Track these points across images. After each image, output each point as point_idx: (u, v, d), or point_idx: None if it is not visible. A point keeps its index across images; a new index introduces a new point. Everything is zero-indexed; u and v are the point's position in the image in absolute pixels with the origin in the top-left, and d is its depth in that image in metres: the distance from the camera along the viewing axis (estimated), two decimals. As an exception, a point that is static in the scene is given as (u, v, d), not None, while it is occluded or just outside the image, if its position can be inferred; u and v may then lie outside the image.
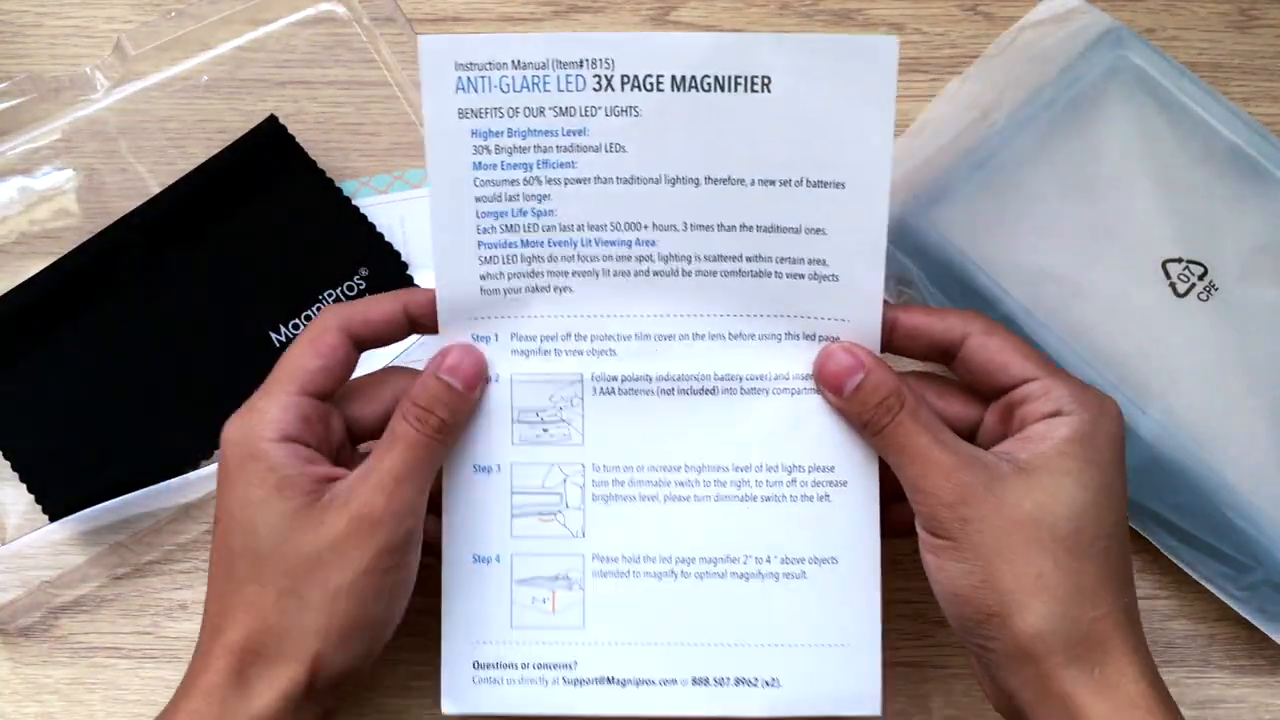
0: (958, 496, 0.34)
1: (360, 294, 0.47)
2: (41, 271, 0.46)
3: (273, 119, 0.48)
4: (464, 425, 0.38)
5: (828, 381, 0.37)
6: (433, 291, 0.37)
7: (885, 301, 0.37)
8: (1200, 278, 0.44)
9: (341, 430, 0.38)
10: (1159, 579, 0.45)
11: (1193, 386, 0.43)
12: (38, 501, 0.44)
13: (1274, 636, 0.42)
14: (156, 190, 0.48)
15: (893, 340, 0.38)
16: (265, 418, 0.35)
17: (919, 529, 0.36)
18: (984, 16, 0.53)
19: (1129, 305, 0.44)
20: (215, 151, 0.48)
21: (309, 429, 0.36)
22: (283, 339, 0.46)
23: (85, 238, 0.47)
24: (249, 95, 0.50)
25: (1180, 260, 0.45)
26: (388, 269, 0.47)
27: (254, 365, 0.40)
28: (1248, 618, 0.42)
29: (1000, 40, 0.51)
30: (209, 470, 0.43)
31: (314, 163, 0.48)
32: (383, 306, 0.38)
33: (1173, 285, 0.44)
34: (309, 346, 0.37)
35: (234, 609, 0.34)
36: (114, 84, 0.50)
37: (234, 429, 0.36)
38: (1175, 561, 0.43)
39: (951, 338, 0.37)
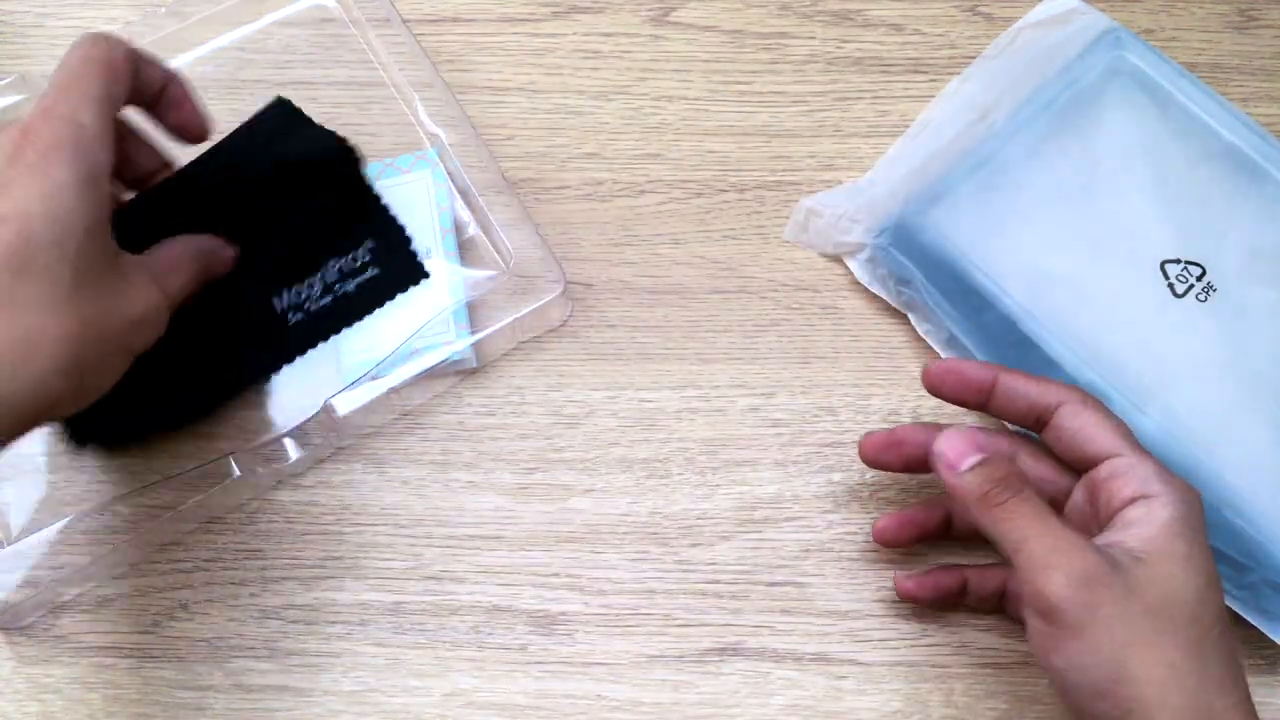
0: (1089, 578, 0.33)
1: (364, 265, 0.47)
2: None
3: (283, 99, 0.47)
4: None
5: (947, 462, 0.36)
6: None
7: (985, 363, 0.39)
8: (1199, 278, 0.44)
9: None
10: (1157, 578, 0.45)
11: (1191, 386, 0.43)
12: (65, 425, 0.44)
13: (1273, 636, 0.42)
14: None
15: (991, 400, 0.39)
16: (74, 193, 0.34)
17: (1034, 618, 0.34)
18: (983, 17, 0.53)
19: (1127, 305, 0.44)
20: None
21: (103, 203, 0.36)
22: (284, 305, 0.46)
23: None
24: (250, 95, 0.50)
25: (1179, 261, 0.45)
26: (391, 242, 0.47)
27: (255, 330, 0.43)
28: (1246, 617, 0.42)
29: (999, 41, 0.51)
30: (202, 469, 0.43)
31: (332, 133, 0.46)
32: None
33: (1171, 286, 0.44)
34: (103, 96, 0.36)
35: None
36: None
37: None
38: (1174, 561, 0.43)
39: (1047, 403, 0.37)
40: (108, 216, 0.36)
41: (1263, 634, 0.42)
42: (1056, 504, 0.38)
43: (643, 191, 0.50)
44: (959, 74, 0.51)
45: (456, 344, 0.45)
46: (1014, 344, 0.44)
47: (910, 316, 0.47)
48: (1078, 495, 0.38)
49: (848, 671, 0.43)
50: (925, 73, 0.52)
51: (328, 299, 0.46)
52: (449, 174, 0.48)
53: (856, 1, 0.53)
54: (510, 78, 0.52)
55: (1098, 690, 0.33)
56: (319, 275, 0.46)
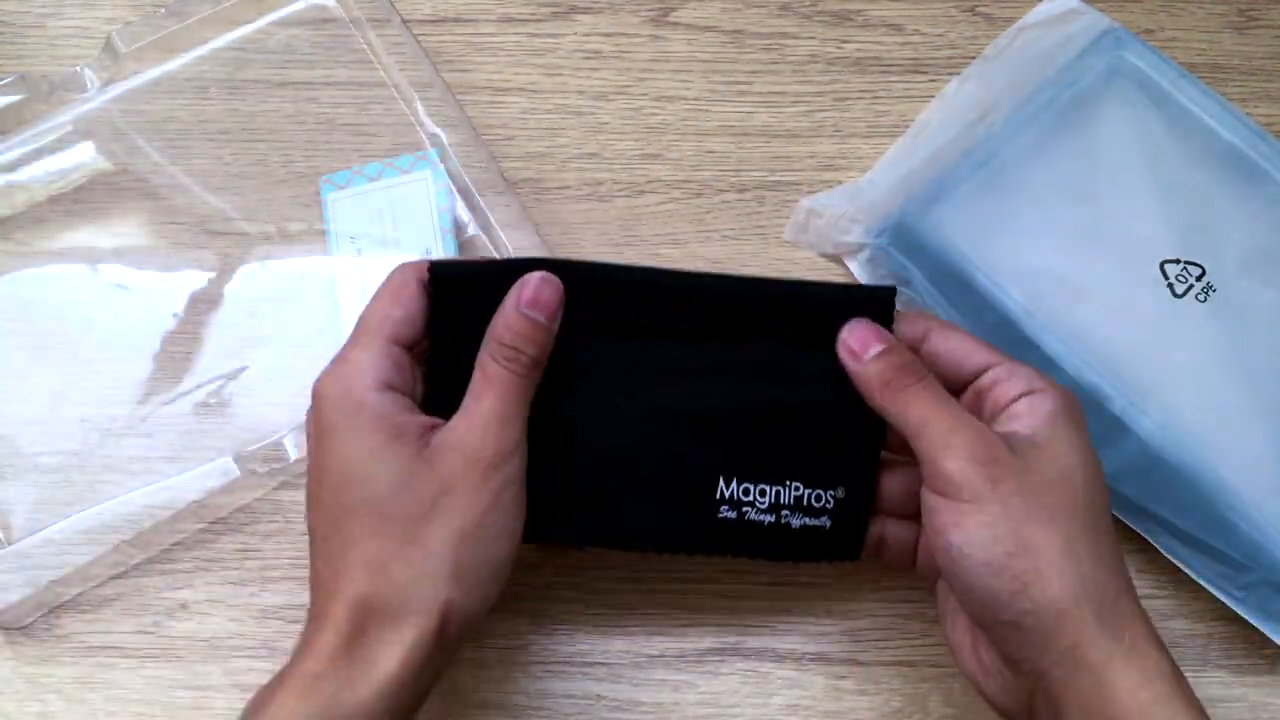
0: (989, 455, 0.34)
1: (823, 510, 0.40)
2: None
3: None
4: (548, 355, 0.37)
5: (853, 345, 0.37)
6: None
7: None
8: (1198, 278, 0.44)
9: (421, 379, 0.37)
10: (1157, 578, 0.45)
11: (1190, 386, 0.43)
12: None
13: (1272, 636, 0.42)
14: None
15: None
16: (361, 368, 0.35)
17: (933, 497, 0.35)
18: (983, 17, 0.53)
19: (1127, 305, 0.44)
20: (220, 153, 0.48)
21: (402, 377, 0.36)
22: (725, 493, 0.39)
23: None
24: (250, 96, 0.51)
25: (1178, 261, 0.45)
26: (857, 506, 0.40)
27: (680, 497, 0.39)
28: (1246, 617, 0.42)
29: (999, 41, 0.51)
30: (202, 469, 0.43)
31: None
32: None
33: (1171, 286, 0.44)
34: (391, 298, 0.36)
35: (351, 567, 0.33)
36: (104, 83, 0.50)
37: (330, 382, 0.35)
38: (1174, 560, 0.43)
39: (916, 335, 0.38)
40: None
41: (1263, 634, 0.42)
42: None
43: (643, 192, 0.50)
44: (959, 74, 0.51)
45: None
46: (1014, 344, 0.44)
47: (910, 316, 0.48)
48: (965, 402, 0.38)
49: (848, 671, 0.43)
50: (925, 73, 0.52)
51: (769, 518, 0.39)
52: (449, 174, 0.48)
53: (856, 2, 0.53)
54: (510, 78, 0.52)
55: (994, 565, 0.33)
56: (775, 489, 0.39)
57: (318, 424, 0.35)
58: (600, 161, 0.50)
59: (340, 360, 0.36)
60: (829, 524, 0.40)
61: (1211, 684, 0.44)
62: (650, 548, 0.40)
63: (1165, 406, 0.43)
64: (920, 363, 0.37)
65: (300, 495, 0.45)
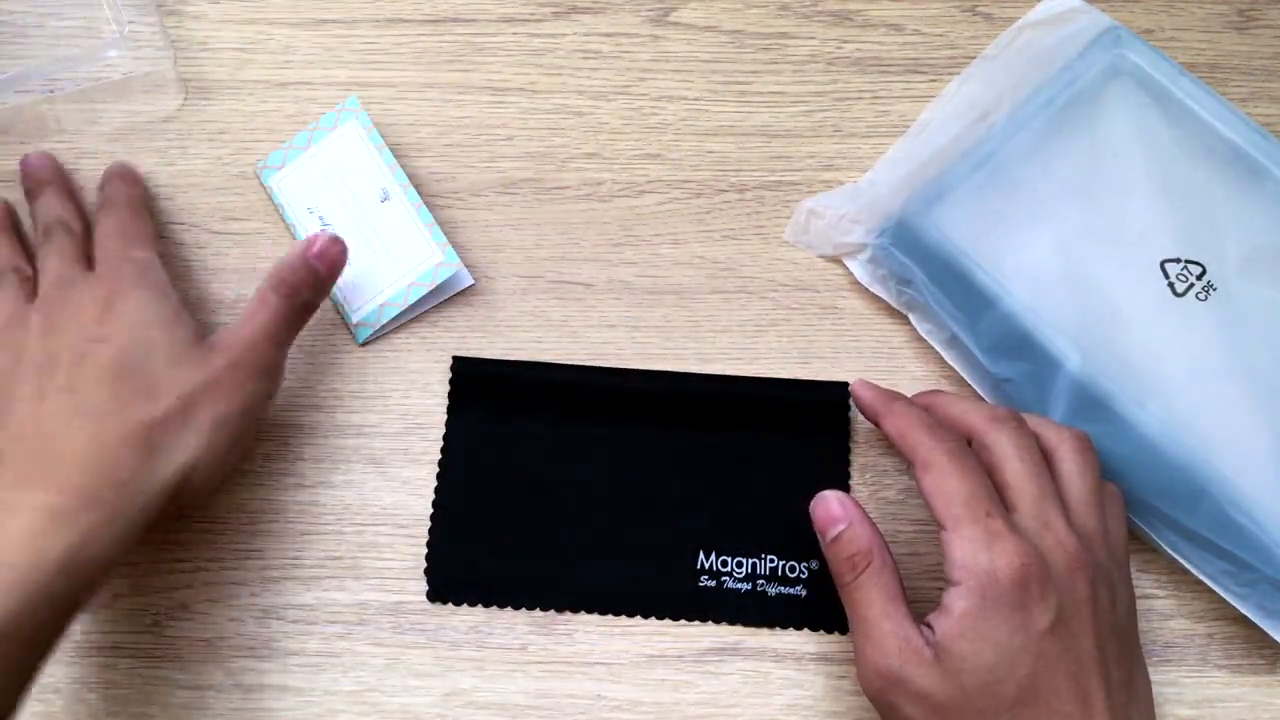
0: (883, 684, 0.36)
1: (797, 580, 0.44)
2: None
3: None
4: (319, 304, 0.44)
5: (817, 525, 0.39)
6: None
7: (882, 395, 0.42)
8: (1199, 277, 0.44)
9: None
10: (1157, 578, 0.45)
11: (1191, 385, 0.43)
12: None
13: (1273, 634, 0.42)
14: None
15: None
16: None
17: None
18: (983, 17, 0.53)
19: (1128, 304, 0.44)
20: (214, 159, 0.48)
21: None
22: (703, 564, 0.44)
23: None
24: (250, 96, 0.51)
25: (1179, 260, 0.45)
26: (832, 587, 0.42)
27: (659, 567, 0.44)
28: (1247, 614, 0.42)
29: (999, 40, 0.51)
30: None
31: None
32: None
33: (1171, 285, 0.44)
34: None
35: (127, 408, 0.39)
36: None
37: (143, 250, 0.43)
38: (1175, 557, 0.43)
39: (875, 411, 0.42)
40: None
41: (1263, 633, 0.42)
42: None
43: (642, 192, 0.50)
44: (959, 74, 0.51)
45: (446, 261, 0.47)
46: (1015, 343, 0.44)
47: (911, 317, 0.47)
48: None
49: (848, 671, 0.43)
50: (925, 73, 0.52)
51: (746, 586, 0.44)
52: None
53: (856, 2, 0.53)
54: (510, 78, 0.52)
55: None
56: (751, 560, 0.44)
57: (114, 277, 0.42)
58: (600, 161, 0.50)
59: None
60: (805, 593, 0.44)
61: (1212, 684, 0.44)
62: (636, 613, 0.44)
63: (1166, 404, 0.43)
64: (875, 551, 0.37)
65: (300, 495, 0.45)
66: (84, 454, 0.37)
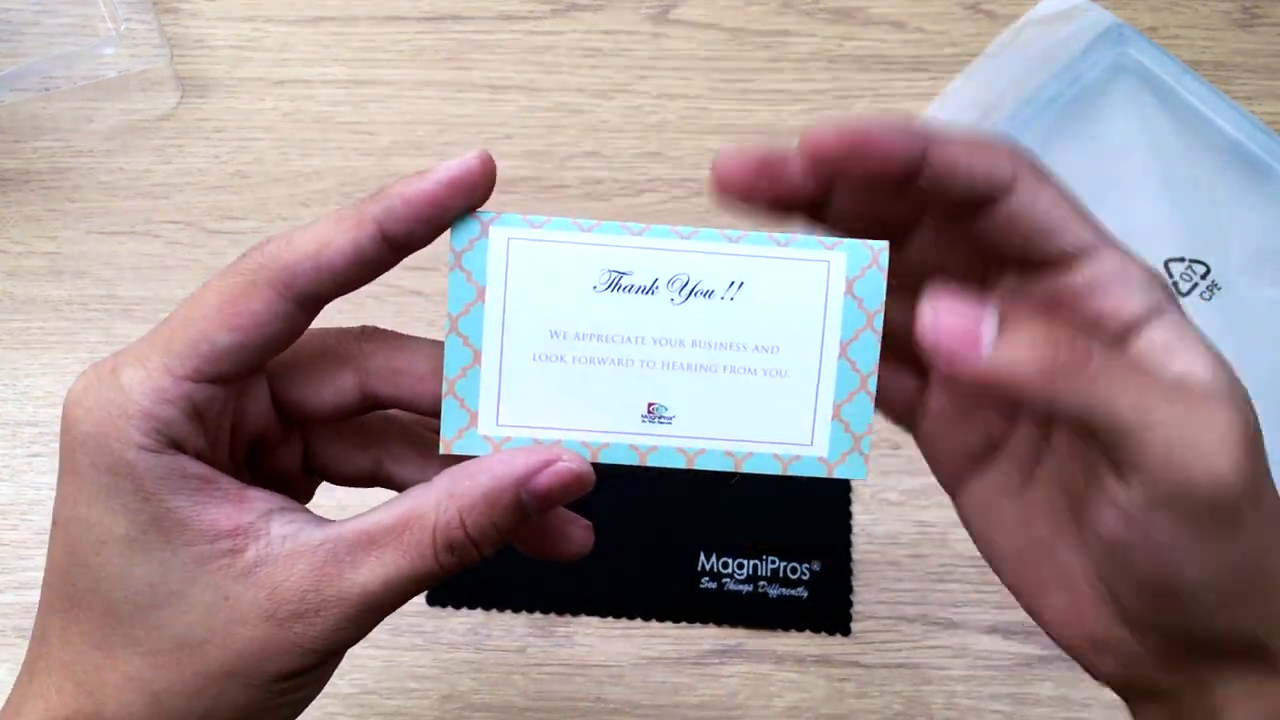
0: (1248, 452, 0.24)
1: (799, 582, 0.44)
2: None
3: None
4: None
5: (936, 334, 0.22)
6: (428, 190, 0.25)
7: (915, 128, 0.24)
8: (1203, 276, 0.44)
9: (266, 408, 0.25)
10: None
11: (1196, 386, 0.43)
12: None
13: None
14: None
15: (921, 177, 0.24)
16: (132, 400, 0.22)
17: (1166, 523, 0.23)
18: (986, 15, 0.53)
19: (1131, 304, 0.44)
20: (211, 157, 0.48)
21: (201, 429, 0.24)
22: (705, 566, 0.44)
23: None
24: (248, 95, 0.50)
25: (1183, 259, 0.44)
26: (837, 584, 0.44)
27: (662, 570, 0.44)
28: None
29: (1002, 38, 0.50)
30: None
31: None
32: (340, 239, 0.23)
33: (1176, 284, 0.44)
34: (223, 308, 0.23)
35: (55, 671, 0.25)
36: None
37: (86, 402, 0.23)
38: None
39: (1001, 176, 0.24)
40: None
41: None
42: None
43: (643, 190, 0.50)
44: (962, 72, 0.51)
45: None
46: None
47: (912, 316, 0.47)
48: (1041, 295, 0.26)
49: (849, 674, 0.43)
50: (927, 70, 0.52)
51: (747, 588, 0.44)
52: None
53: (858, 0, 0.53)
54: (510, 76, 0.51)
55: (1224, 597, 0.24)
56: (752, 562, 0.44)
57: (63, 453, 0.23)
58: (600, 160, 0.50)
59: (111, 370, 0.23)
60: (806, 595, 0.44)
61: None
62: (636, 614, 0.44)
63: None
64: (1079, 312, 0.24)
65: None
66: None
